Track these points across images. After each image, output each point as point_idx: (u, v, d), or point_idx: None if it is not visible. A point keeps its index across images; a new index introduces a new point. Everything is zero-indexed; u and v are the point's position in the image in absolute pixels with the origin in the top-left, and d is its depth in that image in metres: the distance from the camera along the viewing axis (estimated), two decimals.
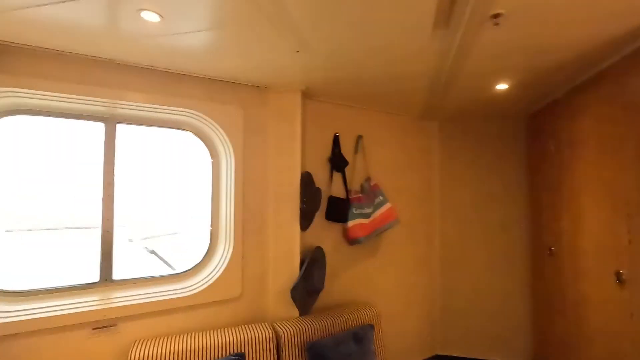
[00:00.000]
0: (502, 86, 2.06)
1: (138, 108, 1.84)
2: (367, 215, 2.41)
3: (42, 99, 1.65)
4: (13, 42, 1.49)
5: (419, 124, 2.84)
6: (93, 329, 1.64)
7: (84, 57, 1.64)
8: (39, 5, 1.21)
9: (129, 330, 1.72)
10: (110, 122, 1.86)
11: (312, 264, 2.10)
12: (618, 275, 1.61)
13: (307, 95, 2.22)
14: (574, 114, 2.02)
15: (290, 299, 2.02)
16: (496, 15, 1.25)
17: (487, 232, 2.79)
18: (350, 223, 2.34)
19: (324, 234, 2.34)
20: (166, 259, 4.10)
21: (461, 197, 2.86)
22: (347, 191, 2.42)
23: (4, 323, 1.49)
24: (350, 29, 1.37)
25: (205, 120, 2.00)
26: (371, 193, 2.48)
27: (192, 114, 1.96)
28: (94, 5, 1.21)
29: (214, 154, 2.14)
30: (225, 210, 2.07)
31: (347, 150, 2.45)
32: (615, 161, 1.66)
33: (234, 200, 2.02)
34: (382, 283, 2.59)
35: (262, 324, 1.94)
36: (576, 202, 2.01)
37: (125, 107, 1.81)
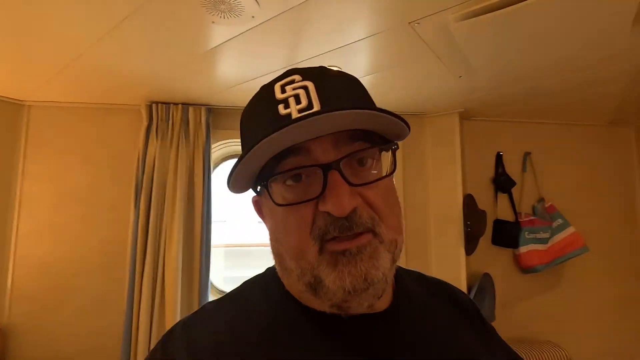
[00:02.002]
0: None
1: None
2: (544, 241, 2.13)
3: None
4: (226, 106, 2.01)
5: (607, 131, 2.37)
6: None
7: None
8: (250, 80, 1.64)
9: None
10: None
11: (480, 291, 1.98)
12: None
13: (465, 115, 2.18)
14: None
15: None
16: None
17: (605, 257, 2.05)
18: (523, 249, 2.11)
19: (490, 260, 2.18)
20: None
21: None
22: (517, 214, 2.21)
23: None
24: (523, 45, 1.32)
25: None
26: (547, 215, 2.19)
27: None
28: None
29: None
30: None
31: (512, 169, 2.25)
32: None
33: None
34: (570, 321, 2.20)
35: None
36: None
37: None
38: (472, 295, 1.94)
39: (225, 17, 1.10)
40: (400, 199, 1.99)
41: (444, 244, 2.08)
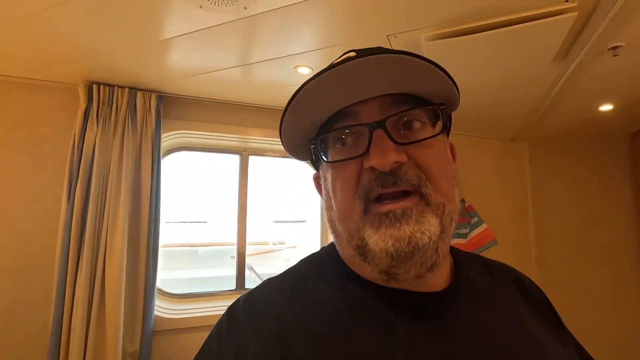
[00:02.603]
0: (606, 107, 2.08)
1: (268, 142, 2.18)
2: (465, 236, 2.49)
3: (198, 137, 2.05)
4: (180, 95, 1.90)
5: (509, 146, 2.89)
6: None
7: (232, 103, 2.02)
8: (215, 71, 1.59)
9: None
10: (244, 154, 2.22)
11: None
12: None
13: None
14: None
15: None
16: (615, 47, 1.35)
17: (588, 256, 2.68)
18: None
19: None
20: (261, 275, 4.44)
21: (557, 220, 2.80)
22: None
23: (171, 319, 1.82)
24: (467, 67, 1.56)
25: None
26: (466, 214, 2.57)
27: None
28: (262, 67, 1.55)
29: None
30: None
31: None
32: None
33: None
34: None
35: None
36: None
37: (255, 141, 2.16)
38: None
39: (217, 4, 1.07)
40: None
41: None
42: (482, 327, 0.42)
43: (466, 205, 2.59)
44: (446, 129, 0.46)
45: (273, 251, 4.97)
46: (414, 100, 0.41)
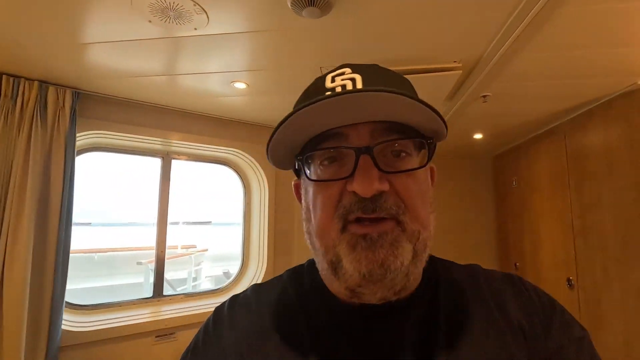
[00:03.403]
0: (478, 135, 2.65)
1: (190, 146, 2.18)
2: None
3: (118, 138, 1.95)
4: (104, 94, 1.80)
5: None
6: (156, 337, 1.89)
7: (155, 106, 1.98)
8: (143, 76, 1.58)
9: (185, 338, 1.97)
10: (167, 157, 2.18)
11: None
12: (569, 281, 2.16)
13: None
14: (531, 157, 2.65)
15: None
16: (485, 96, 1.79)
17: (462, 252, 3.32)
18: None
19: None
20: (170, 281, 4.22)
21: (439, 224, 3.39)
22: None
23: (82, 332, 1.71)
24: None
25: (245, 157, 2.37)
26: None
27: (235, 152, 2.33)
28: (197, 78, 1.60)
29: (247, 185, 2.50)
30: (259, 233, 2.41)
31: None
32: (563, 195, 2.25)
33: (268, 225, 2.38)
34: None
35: None
36: (535, 226, 2.59)
37: (178, 145, 2.14)
38: None
39: (169, 21, 1.12)
40: (272, 203, 2.35)
41: (306, 243, 2.48)
42: (422, 345, 0.41)
43: None
44: (430, 159, 0.47)
45: (183, 255, 4.76)
46: (404, 130, 0.42)
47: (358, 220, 0.39)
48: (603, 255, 1.89)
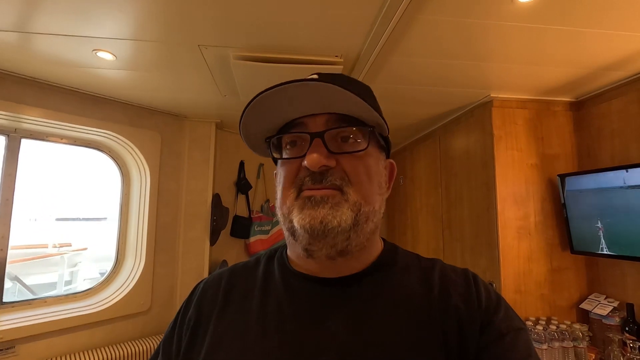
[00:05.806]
0: None
1: (48, 124, 1.84)
2: (267, 232, 2.81)
3: None
4: None
5: None
6: None
7: (1, 70, 1.62)
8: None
9: (29, 351, 1.66)
10: (14, 135, 1.80)
11: None
12: None
13: (220, 126, 2.54)
14: (414, 158, 2.91)
15: None
16: None
17: None
18: (252, 239, 2.70)
19: (227, 248, 2.62)
20: (27, 284, 3.58)
21: None
22: (250, 211, 2.78)
23: None
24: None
25: (122, 141, 2.10)
26: (270, 213, 2.90)
27: (109, 134, 2.05)
28: (51, 40, 1.34)
29: (125, 173, 2.23)
30: (137, 228, 2.17)
31: (251, 175, 2.82)
32: (436, 192, 2.52)
33: (148, 218, 2.15)
34: None
35: None
36: (415, 220, 2.86)
37: (32, 122, 1.80)
38: None
39: None
40: (155, 195, 2.16)
41: (193, 236, 2.32)
42: (355, 320, 0.46)
43: (270, 205, 2.93)
44: (383, 149, 0.56)
45: (53, 255, 4.06)
46: (354, 121, 0.49)
47: (309, 189, 0.47)
48: (461, 245, 2.17)
